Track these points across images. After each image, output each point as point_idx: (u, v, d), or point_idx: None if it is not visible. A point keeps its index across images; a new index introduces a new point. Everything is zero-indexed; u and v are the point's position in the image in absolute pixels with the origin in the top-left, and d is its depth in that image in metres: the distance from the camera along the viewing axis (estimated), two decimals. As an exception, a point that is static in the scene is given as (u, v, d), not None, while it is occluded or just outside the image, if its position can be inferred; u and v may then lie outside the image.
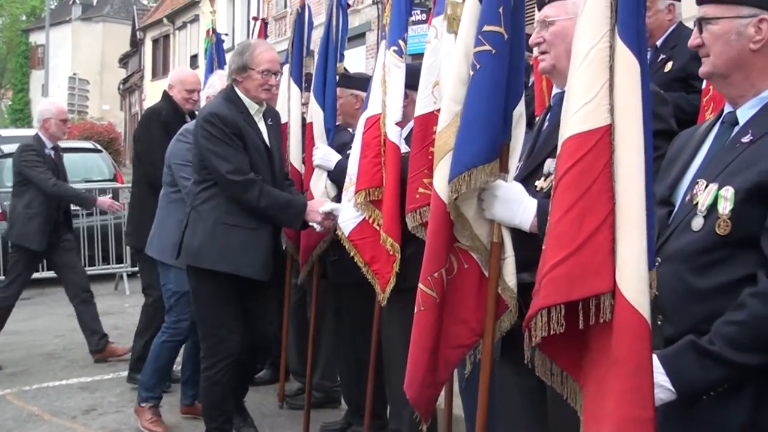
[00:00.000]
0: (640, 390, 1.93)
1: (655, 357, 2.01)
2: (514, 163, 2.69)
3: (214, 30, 7.70)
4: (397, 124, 4.13)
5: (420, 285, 2.80)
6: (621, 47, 2.05)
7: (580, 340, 2.11)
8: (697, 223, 2.08)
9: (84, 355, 7.30)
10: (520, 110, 2.68)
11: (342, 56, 5.77)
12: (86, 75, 41.77)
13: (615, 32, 2.06)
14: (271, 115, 4.79)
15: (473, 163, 2.57)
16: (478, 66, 2.59)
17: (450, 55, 3.08)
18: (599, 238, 2.02)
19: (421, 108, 3.50)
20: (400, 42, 4.26)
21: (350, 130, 5.01)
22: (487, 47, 2.58)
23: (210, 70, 7.19)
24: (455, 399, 3.87)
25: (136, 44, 42.30)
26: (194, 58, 30.91)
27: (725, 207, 2.02)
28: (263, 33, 7.29)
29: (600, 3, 2.09)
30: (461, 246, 2.75)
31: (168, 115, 6.06)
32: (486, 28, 2.59)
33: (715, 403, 2.03)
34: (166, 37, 37.16)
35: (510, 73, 2.60)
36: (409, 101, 4.15)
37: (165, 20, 36.28)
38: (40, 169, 6.91)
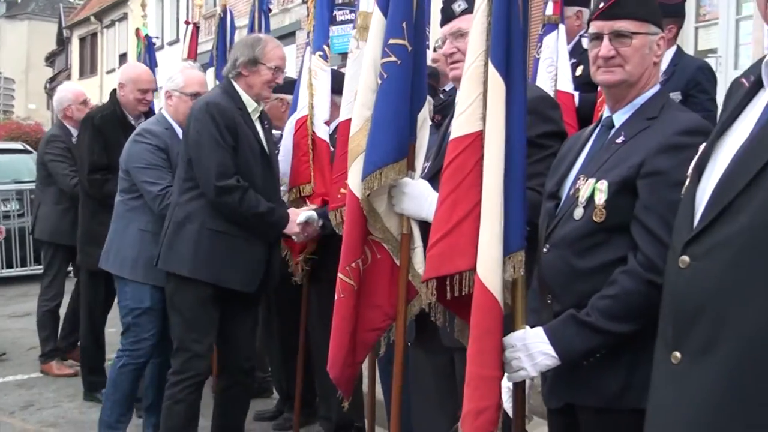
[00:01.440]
0: (483, 353, 2.34)
1: (540, 329, 2.36)
2: (420, 162, 3.00)
3: (147, 36, 7.82)
4: (325, 123, 4.47)
5: (339, 274, 3.10)
6: (491, 67, 2.42)
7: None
8: (578, 212, 2.38)
9: (20, 353, 7.42)
10: (424, 114, 2.99)
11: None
12: (11, 74, 41.12)
13: (487, 55, 2.42)
14: (267, 118, 4.49)
15: (383, 162, 2.87)
16: (385, 75, 2.90)
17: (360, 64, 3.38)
18: (466, 224, 2.43)
19: (345, 114, 3.73)
20: (325, 47, 4.57)
21: (276, 132, 5.24)
22: (393, 58, 2.88)
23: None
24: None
25: (62, 42, 41.61)
26: (123, 57, 30.64)
27: (600, 198, 2.33)
28: (195, 38, 7.47)
29: (479, 27, 2.48)
30: (374, 238, 3.06)
31: (103, 119, 5.55)
32: (391, 41, 2.90)
33: (596, 368, 2.33)
34: (94, 35, 36.67)
35: (414, 80, 2.92)
36: (333, 105, 4.48)
37: (92, 18, 35.80)
38: (64, 164, 6.51)
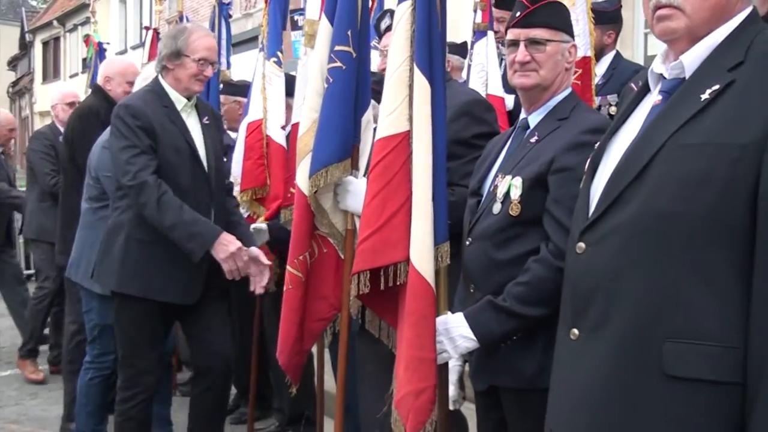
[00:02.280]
0: (420, 336, 2.54)
1: (461, 314, 2.56)
2: (364, 162, 3.19)
3: (98, 44, 7.87)
4: (282, 127, 4.62)
5: (288, 267, 3.29)
6: (416, 71, 2.63)
7: (395, 300, 2.66)
8: (496, 207, 2.57)
9: (-19, 355, 7.50)
10: (368, 117, 3.18)
11: (228, 63, 6.20)
12: (-27, 78, 40.80)
13: (413, 59, 2.63)
14: (207, 113, 4.12)
15: (329, 161, 3.06)
16: (330, 80, 3.09)
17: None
18: (397, 219, 2.63)
19: (297, 116, 3.90)
20: (279, 53, 4.74)
21: (231, 134, 5.40)
22: (338, 64, 3.07)
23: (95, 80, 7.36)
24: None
25: (25, 46, 41.33)
26: (86, 61, 30.57)
27: (516, 193, 2.51)
28: (155, 43, 7.55)
29: (402, 34, 2.69)
30: (321, 233, 3.26)
31: (108, 115, 4.79)
32: (337, 47, 3.09)
33: (514, 352, 2.52)
34: (57, 39, 36.46)
35: (358, 85, 3.10)
36: (288, 108, 4.64)
37: (55, 22, 35.59)
38: (46, 162, 6.42)
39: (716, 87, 1.74)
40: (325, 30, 3.22)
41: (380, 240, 2.65)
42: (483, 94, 4.82)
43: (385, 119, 2.73)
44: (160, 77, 3.97)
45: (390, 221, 2.63)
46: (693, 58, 1.85)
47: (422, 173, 2.58)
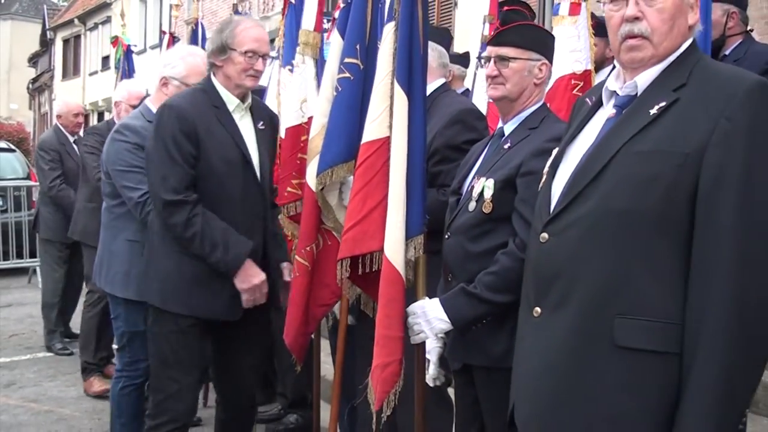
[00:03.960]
0: (389, 317, 2.89)
1: (437, 299, 2.87)
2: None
3: (127, 46, 8.18)
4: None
5: (296, 256, 3.62)
6: (396, 85, 2.98)
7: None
8: (472, 205, 2.88)
9: (1, 339, 7.85)
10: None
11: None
12: (-7, 73, 41.36)
13: (394, 74, 2.98)
14: (263, 116, 3.81)
15: (335, 162, 3.39)
16: (339, 89, 3.42)
17: (313, 77, 3.91)
18: (375, 214, 2.99)
19: (291, 120, 4.19)
20: (293, 62, 5.05)
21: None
22: (347, 74, 3.40)
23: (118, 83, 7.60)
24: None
25: (46, 44, 41.75)
26: (105, 59, 30.94)
27: (488, 193, 2.82)
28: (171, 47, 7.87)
29: (386, 51, 3.04)
30: (326, 227, 3.58)
31: None
32: (346, 60, 3.42)
33: (484, 334, 2.80)
34: (77, 37, 36.87)
35: (365, 94, 3.41)
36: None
37: (76, 21, 36.00)
38: (97, 158, 5.77)
39: (663, 104, 2.04)
40: (336, 43, 3.56)
41: (360, 231, 2.99)
42: (485, 101, 5.14)
43: (368, 126, 3.08)
44: (211, 76, 3.68)
45: (369, 215, 2.98)
46: (645, 79, 2.15)
47: (398, 174, 2.92)
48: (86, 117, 7.74)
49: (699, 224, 1.95)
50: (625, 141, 2.06)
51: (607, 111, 2.23)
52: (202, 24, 6.59)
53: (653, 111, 2.05)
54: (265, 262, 3.67)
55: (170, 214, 3.48)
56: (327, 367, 4.61)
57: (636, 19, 2.13)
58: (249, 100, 3.72)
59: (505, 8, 3.15)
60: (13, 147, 13.55)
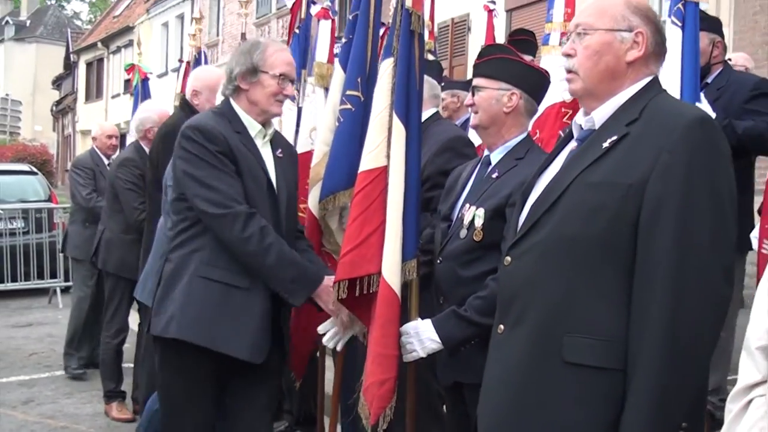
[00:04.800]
0: (385, 336, 3.05)
1: (429, 320, 3.02)
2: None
3: (144, 74, 8.41)
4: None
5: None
6: (395, 118, 3.15)
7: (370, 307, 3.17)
8: (463, 233, 3.05)
9: (22, 358, 8.04)
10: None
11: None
12: (19, 96, 41.79)
13: (392, 107, 3.14)
14: (281, 144, 3.59)
15: (337, 188, 3.57)
16: (341, 119, 3.59)
17: (324, 106, 4.09)
18: (373, 239, 3.14)
19: (300, 147, 4.36)
20: (295, 90, 5.24)
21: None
22: (348, 106, 3.58)
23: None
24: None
25: (69, 66, 42.39)
26: (128, 83, 31.27)
27: (479, 222, 2.99)
28: (188, 75, 8.08)
29: (385, 86, 3.21)
30: (326, 249, 3.74)
31: None
32: (348, 92, 3.60)
33: (473, 354, 2.92)
34: (100, 60, 37.46)
35: (364, 124, 3.57)
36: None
37: (99, 44, 36.60)
38: (135, 194, 5.91)
39: (614, 138, 2.19)
40: (338, 76, 3.75)
41: (358, 255, 3.14)
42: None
43: (366, 156, 3.24)
44: (231, 100, 3.44)
45: (367, 240, 3.13)
46: (602, 114, 2.30)
47: (396, 201, 3.09)
48: (123, 137, 7.92)
49: (640, 251, 2.10)
50: (579, 172, 2.21)
51: (572, 144, 2.39)
52: (205, 54, 6.77)
53: (605, 144, 2.20)
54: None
55: (230, 227, 3.17)
56: (332, 386, 4.74)
57: (569, 55, 2.33)
58: (272, 129, 3.51)
59: (511, 38, 3.32)
60: (35, 170, 13.83)
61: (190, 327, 3.22)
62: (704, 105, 4.20)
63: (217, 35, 27.30)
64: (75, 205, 7.43)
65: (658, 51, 2.34)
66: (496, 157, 3.16)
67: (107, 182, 6.32)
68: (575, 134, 2.41)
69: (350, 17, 3.84)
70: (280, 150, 3.52)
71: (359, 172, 3.24)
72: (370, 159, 3.20)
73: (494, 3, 6.87)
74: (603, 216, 2.13)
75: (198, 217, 3.25)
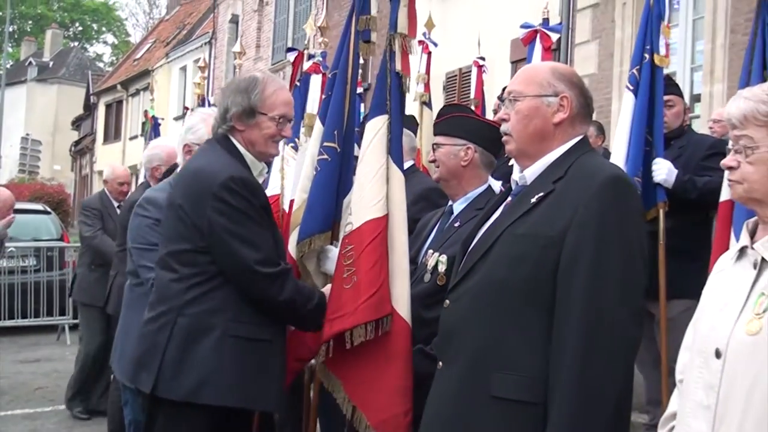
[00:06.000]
0: (405, 369, 3.25)
1: None
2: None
3: (153, 117, 8.78)
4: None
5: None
6: (394, 167, 3.40)
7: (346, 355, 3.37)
8: (427, 277, 3.31)
9: (27, 392, 8.32)
10: (348, 199, 3.92)
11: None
12: (39, 135, 42.37)
13: (389, 158, 3.37)
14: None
15: (312, 232, 3.81)
16: (318, 168, 3.85)
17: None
18: (387, 281, 3.31)
19: (291, 194, 4.58)
20: (296, 140, 5.53)
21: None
22: (325, 156, 3.85)
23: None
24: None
25: (89, 108, 43.00)
26: (145, 125, 31.86)
27: (442, 267, 3.25)
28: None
29: (382, 142, 3.46)
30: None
31: None
32: (325, 143, 3.86)
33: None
34: (119, 102, 37.99)
35: (341, 174, 3.85)
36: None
37: (119, 86, 37.20)
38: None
39: (541, 194, 2.44)
40: (317, 129, 4.04)
41: (381, 297, 3.29)
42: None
43: (374, 205, 3.39)
44: (231, 138, 3.33)
45: (385, 282, 3.31)
46: (532, 171, 2.55)
47: (402, 243, 3.35)
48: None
49: (558, 296, 2.32)
50: (508, 225, 2.46)
51: (509, 199, 2.64)
52: (209, 102, 7.08)
53: (533, 200, 2.44)
54: None
55: (270, 287, 3.16)
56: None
57: (504, 120, 2.59)
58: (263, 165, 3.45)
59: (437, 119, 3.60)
60: (48, 209, 14.20)
61: (231, 391, 3.09)
62: (663, 163, 4.50)
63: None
64: (83, 248, 7.57)
65: (584, 112, 2.59)
66: (458, 207, 3.42)
67: (118, 225, 6.03)
68: (513, 188, 2.65)
69: (329, 75, 4.13)
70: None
71: (368, 219, 3.40)
72: (377, 208, 3.39)
73: (483, 59, 7.22)
74: (526, 264, 2.36)
75: (217, 271, 3.12)
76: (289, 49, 5.91)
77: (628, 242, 2.34)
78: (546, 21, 5.61)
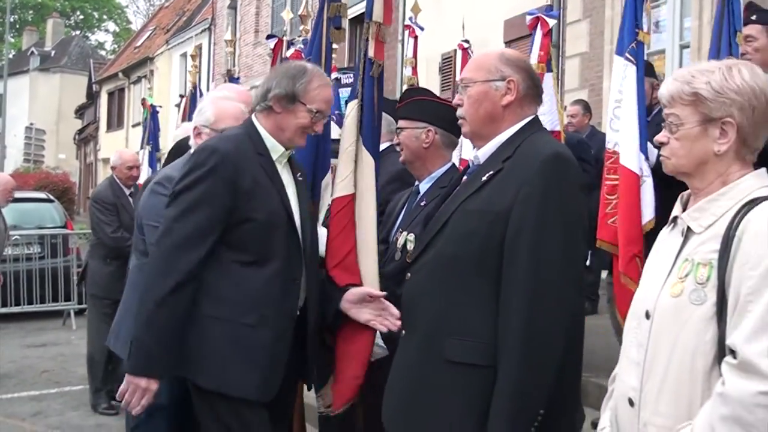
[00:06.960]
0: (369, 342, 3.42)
1: (378, 333, 3.40)
2: (322, 215, 4.09)
3: (152, 105, 8.93)
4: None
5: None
6: (363, 150, 3.55)
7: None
8: (397, 255, 3.48)
9: (34, 375, 8.56)
10: (326, 181, 4.10)
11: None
12: (43, 124, 42.58)
13: (359, 140, 3.53)
14: (300, 168, 3.53)
15: None
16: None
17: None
18: (350, 257, 3.46)
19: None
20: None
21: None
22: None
23: (145, 140, 8.28)
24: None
25: (92, 96, 43.07)
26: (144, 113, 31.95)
27: (410, 246, 3.40)
28: (188, 109, 8.53)
29: (353, 124, 3.60)
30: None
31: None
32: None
33: None
34: (121, 90, 38.01)
35: (317, 156, 4.02)
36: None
37: (120, 74, 37.24)
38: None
39: (491, 172, 2.62)
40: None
41: (342, 269, 3.45)
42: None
43: (339, 184, 3.58)
44: (254, 118, 3.34)
45: (347, 257, 3.45)
46: (485, 151, 2.74)
47: (370, 223, 3.48)
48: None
49: (504, 266, 2.50)
50: (461, 201, 2.65)
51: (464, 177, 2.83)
52: (200, 90, 7.23)
53: (484, 178, 2.62)
54: (302, 330, 3.31)
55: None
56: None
57: (459, 105, 2.78)
58: (291, 150, 3.42)
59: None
60: (51, 198, 14.46)
61: (207, 371, 3.09)
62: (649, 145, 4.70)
63: (233, 65, 27.79)
64: (96, 240, 7.48)
65: (532, 94, 2.76)
66: (423, 187, 3.60)
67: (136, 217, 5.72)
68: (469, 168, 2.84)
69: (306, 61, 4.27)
70: (300, 174, 3.46)
71: (333, 198, 3.58)
72: (342, 187, 3.54)
73: (468, 42, 7.38)
74: (476, 238, 2.55)
75: None
76: (269, 36, 6.05)
77: (568, 214, 2.51)
78: (550, 7, 6.22)
